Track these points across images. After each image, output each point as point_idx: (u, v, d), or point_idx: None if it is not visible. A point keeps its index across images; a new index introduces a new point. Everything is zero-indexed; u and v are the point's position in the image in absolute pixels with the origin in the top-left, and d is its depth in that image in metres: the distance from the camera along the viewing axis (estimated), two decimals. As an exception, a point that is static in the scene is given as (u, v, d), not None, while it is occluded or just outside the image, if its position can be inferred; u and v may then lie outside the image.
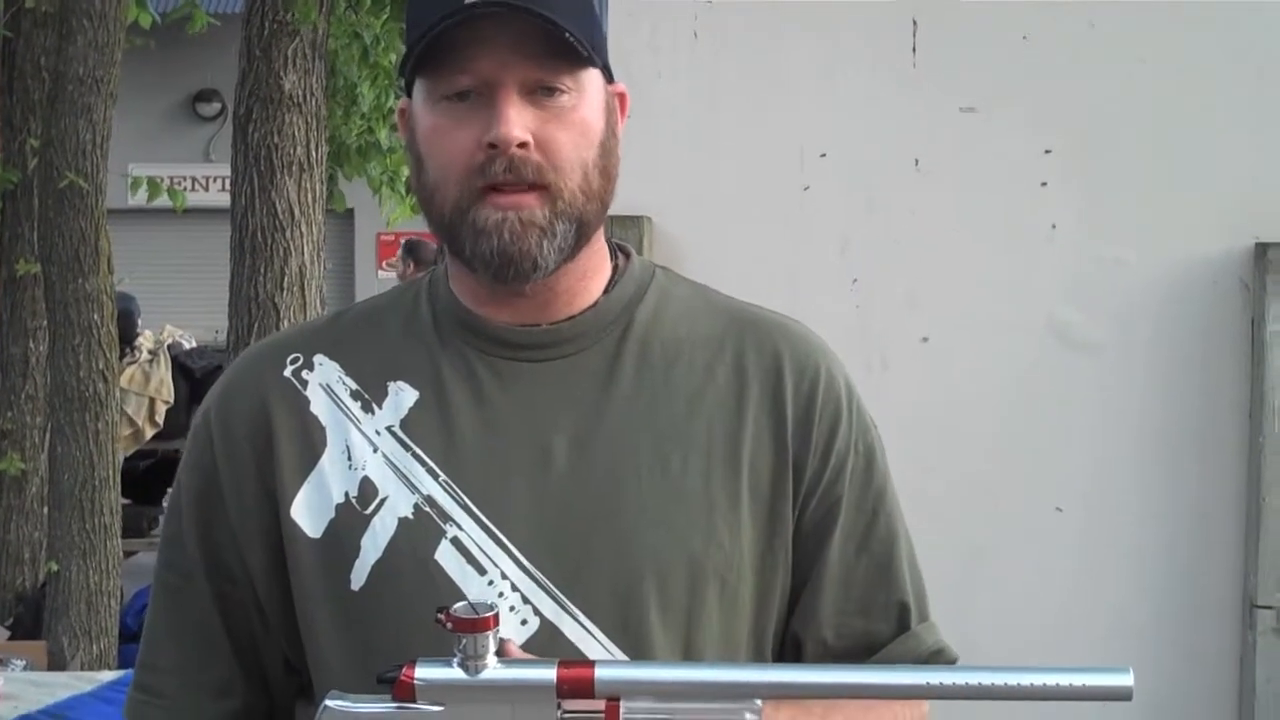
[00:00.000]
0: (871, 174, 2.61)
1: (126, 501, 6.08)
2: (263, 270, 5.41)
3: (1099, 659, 2.57)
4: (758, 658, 1.33)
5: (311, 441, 1.33)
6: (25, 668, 4.31)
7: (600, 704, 1.10)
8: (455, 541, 1.29)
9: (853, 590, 1.34)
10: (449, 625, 1.09)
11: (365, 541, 1.30)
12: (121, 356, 6.12)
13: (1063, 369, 2.58)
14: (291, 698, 1.39)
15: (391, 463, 1.31)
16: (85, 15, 5.34)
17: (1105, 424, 2.58)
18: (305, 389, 1.35)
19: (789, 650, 1.36)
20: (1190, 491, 2.59)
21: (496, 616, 1.10)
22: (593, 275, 1.36)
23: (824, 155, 2.60)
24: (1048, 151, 2.58)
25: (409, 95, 1.32)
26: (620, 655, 1.26)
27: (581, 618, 1.26)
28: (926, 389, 2.58)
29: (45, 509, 5.91)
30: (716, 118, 2.61)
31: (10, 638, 5.56)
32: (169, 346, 8.16)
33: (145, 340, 8.05)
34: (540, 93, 1.27)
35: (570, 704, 1.10)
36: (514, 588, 1.27)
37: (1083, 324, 2.59)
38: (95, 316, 5.40)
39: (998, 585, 2.59)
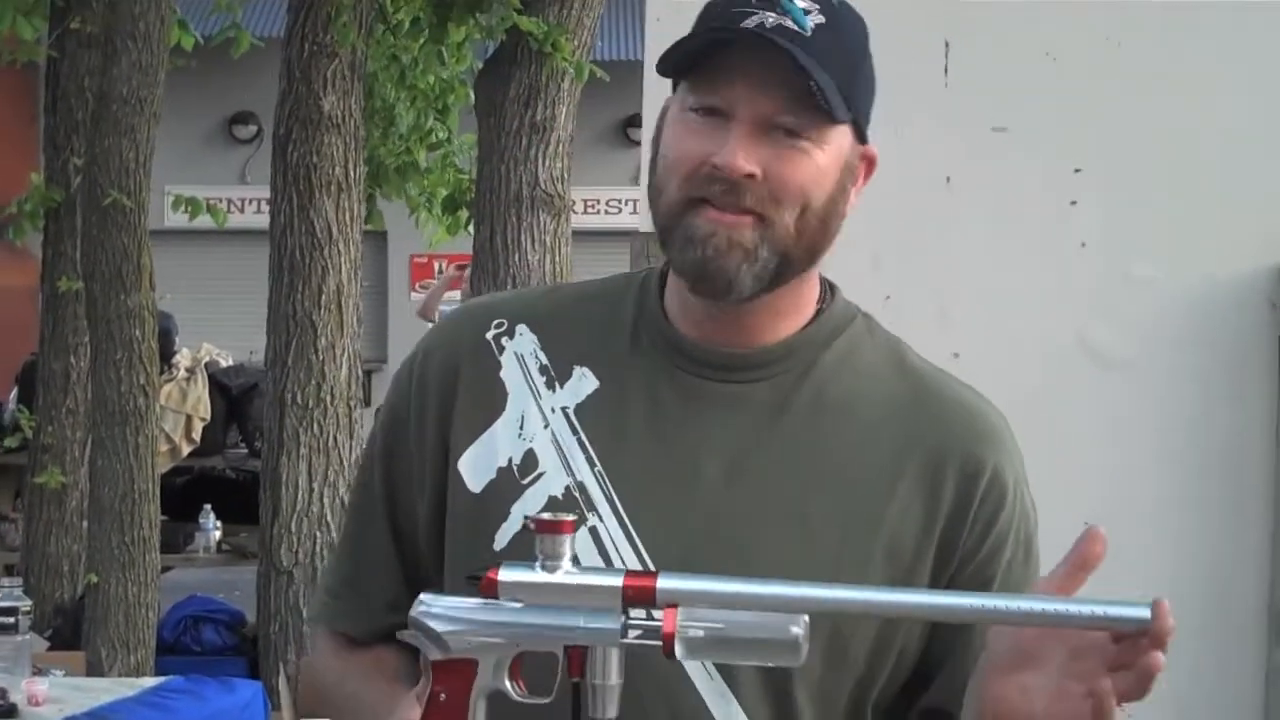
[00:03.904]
0: (904, 191, 2.64)
1: (163, 518, 6.12)
2: (301, 288, 5.48)
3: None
4: (856, 714, 1.35)
5: (493, 403, 1.40)
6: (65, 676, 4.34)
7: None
8: (593, 531, 1.34)
9: None
10: (532, 526, 1.19)
11: (515, 509, 1.36)
12: (160, 374, 6.18)
13: (1090, 386, 2.60)
14: None
15: (557, 442, 1.37)
16: (130, 37, 5.42)
17: (1132, 441, 2.60)
18: (500, 354, 1.42)
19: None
20: (1216, 508, 2.61)
21: (574, 523, 1.20)
22: (785, 316, 1.38)
23: (857, 173, 2.63)
24: (1077, 170, 2.61)
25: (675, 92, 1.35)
26: (715, 677, 1.31)
27: None
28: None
29: (84, 523, 5.97)
30: (751, 136, 2.65)
31: (49, 649, 5.61)
32: (206, 365, 8.23)
33: (183, 358, 8.11)
34: (781, 131, 1.29)
35: (635, 613, 1.18)
36: None
37: (1111, 341, 2.61)
38: (136, 332, 5.47)
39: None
